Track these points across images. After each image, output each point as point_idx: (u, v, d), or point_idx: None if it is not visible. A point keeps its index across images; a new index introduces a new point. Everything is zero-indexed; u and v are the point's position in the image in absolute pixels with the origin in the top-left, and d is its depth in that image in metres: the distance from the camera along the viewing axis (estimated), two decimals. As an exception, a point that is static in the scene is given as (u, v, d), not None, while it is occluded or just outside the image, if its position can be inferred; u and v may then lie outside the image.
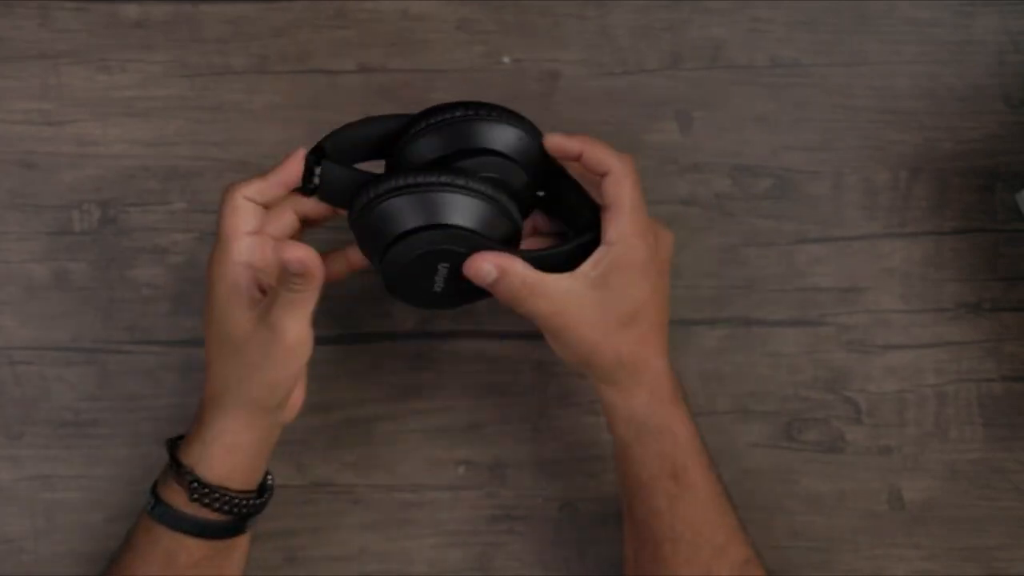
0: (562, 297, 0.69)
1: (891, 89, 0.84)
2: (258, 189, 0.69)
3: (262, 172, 0.70)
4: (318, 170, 0.69)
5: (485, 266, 0.68)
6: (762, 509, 0.82)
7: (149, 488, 0.72)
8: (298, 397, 0.72)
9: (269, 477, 0.75)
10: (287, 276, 0.65)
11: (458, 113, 0.70)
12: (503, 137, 0.71)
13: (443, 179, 0.67)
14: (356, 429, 0.82)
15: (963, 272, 0.84)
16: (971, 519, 0.83)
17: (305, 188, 0.70)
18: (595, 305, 0.70)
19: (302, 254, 0.65)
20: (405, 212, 0.67)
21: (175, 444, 0.72)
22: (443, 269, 0.68)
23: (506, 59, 0.84)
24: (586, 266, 0.69)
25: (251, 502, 0.72)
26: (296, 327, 0.67)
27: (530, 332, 0.82)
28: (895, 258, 0.84)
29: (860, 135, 0.84)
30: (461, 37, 0.83)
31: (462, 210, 0.67)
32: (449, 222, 0.67)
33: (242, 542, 0.74)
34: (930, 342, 0.83)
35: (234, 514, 0.71)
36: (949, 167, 0.84)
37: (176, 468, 0.70)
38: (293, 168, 0.70)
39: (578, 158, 0.71)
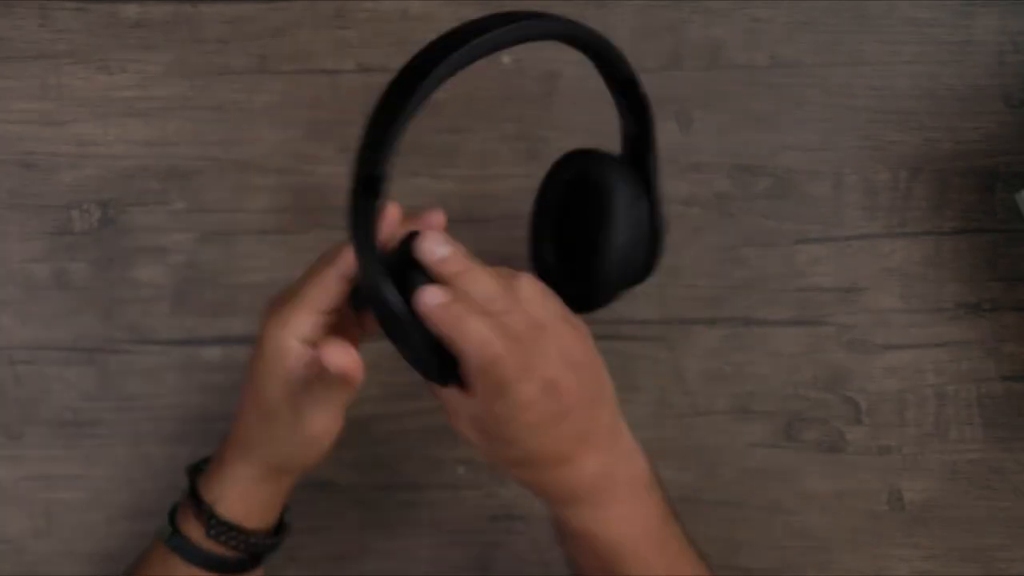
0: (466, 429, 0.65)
1: (891, 89, 0.84)
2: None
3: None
4: None
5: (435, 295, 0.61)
6: (762, 509, 0.82)
7: (168, 512, 0.71)
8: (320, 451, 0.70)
9: (286, 515, 0.74)
10: (326, 374, 0.62)
11: None
12: None
13: None
14: (356, 429, 0.82)
15: (963, 272, 0.84)
16: (971, 519, 0.83)
17: None
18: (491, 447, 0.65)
19: (345, 361, 0.61)
20: None
21: (196, 472, 0.71)
22: None
23: (506, 59, 0.84)
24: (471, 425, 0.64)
25: (266, 541, 0.71)
26: (323, 419, 0.66)
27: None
28: (895, 258, 0.84)
29: (860, 135, 0.84)
30: (461, 37, 0.83)
31: None
32: None
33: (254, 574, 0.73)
34: (930, 342, 0.83)
35: (249, 552, 0.70)
36: (949, 167, 0.84)
37: (196, 502, 0.69)
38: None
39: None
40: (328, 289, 0.63)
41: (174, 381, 0.81)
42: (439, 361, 0.62)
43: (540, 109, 0.83)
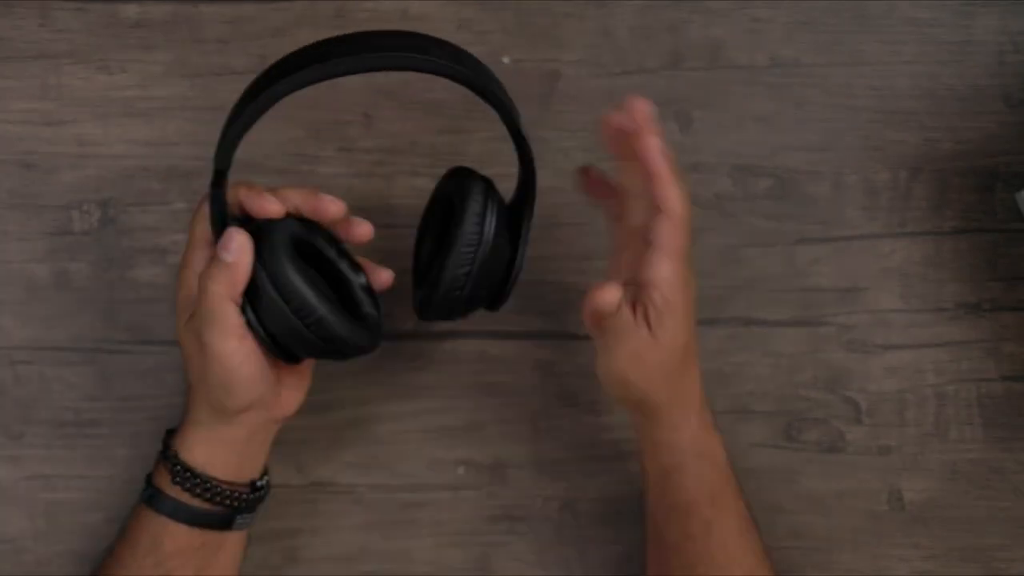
0: (634, 347, 0.70)
1: (891, 89, 0.84)
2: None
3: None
4: None
5: (613, 292, 0.69)
6: (762, 509, 0.82)
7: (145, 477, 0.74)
8: (289, 397, 0.73)
9: (264, 478, 0.75)
10: (212, 262, 0.68)
11: None
12: None
13: None
14: (356, 429, 0.82)
15: (963, 272, 0.84)
16: (971, 519, 0.83)
17: None
18: (656, 346, 0.69)
19: (233, 242, 0.67)
20: None
21: (172, 432, 0.74)
22: None
23: (506, 59, 0.84)
24: (641, 320, 0.69)
25: (235, 495, 0.72)
26: (222, 343, 0.67)
27: (530, 332, 0.82)
28: (895, 258, 0.84)
29: (860, 135, 0.84)
30: (461, 37, 0.83)
31: None
32: None
33: (231, 541, 0.74)
34: (930, 342, 0.83)
35: (215, 503, 0.71)
36: (949, 167, 0.84)
37: (164, 451, 0.72)
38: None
39: (646, 173, 0.69)
40: (200, 226, 0.70)
41: (174, 381, 0.81)
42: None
43: (540, 109, 0.83)
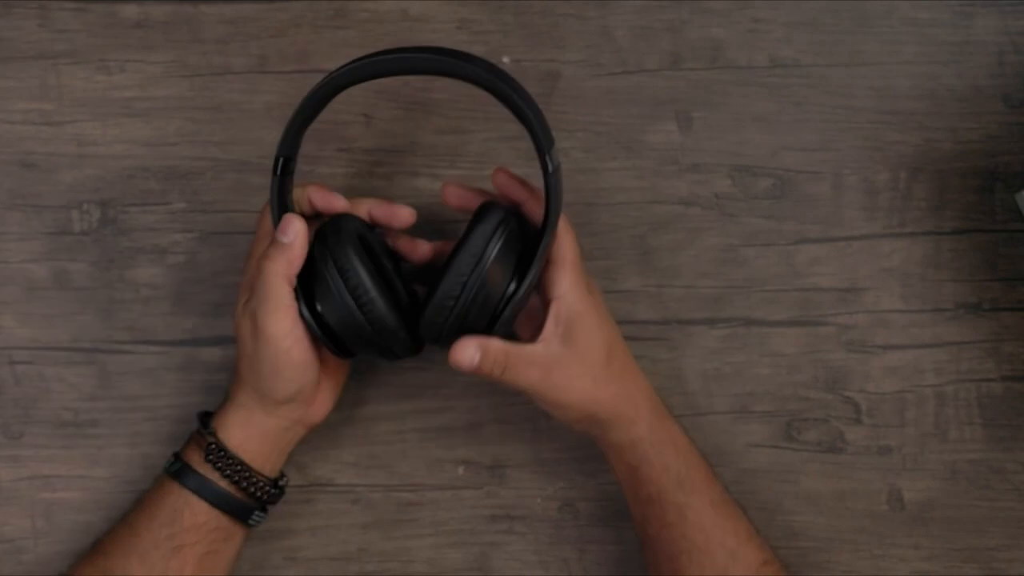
0: (545, 359, 0.72)
1: (891, 89, 0.84)
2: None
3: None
4: None
5: (469, 350, 0.70)
6: (762, 509, 0.82)
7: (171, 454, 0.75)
8: (323, 402, 0.76)
9: (284, 479, 0.77)
10: (270, 244, 0.71)
11: None
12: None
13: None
14: (356, 429, 0.82)
15: (963, 272, 0.84)
16: (971, 519, 0.83)
17: None
18: (575, 358, 0.72)
19: (289, 225, 0.70)
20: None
21: (207, 414, 0.76)
22: None
23: (506, 59, 0.84)
24: (549, 327, 0.72)
25: (259, 483, 0.74)
26: (274, 324, 0.70)
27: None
28: (895, 258, 0.84)
29: (860, 135, 0.84)
30: (461, 37, 0.84)
31: None
32: None
33: (237, 537, 0.75)
34: (930, 342, 0.83)
35: (240, 487, 0.73)
36: (949, 167, 0.84)
37: (202, 428, 0.74)
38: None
39: (519, 203, 0.74)
40: (268, 219, 0.73)
41: (174, 381, 0.82)
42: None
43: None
